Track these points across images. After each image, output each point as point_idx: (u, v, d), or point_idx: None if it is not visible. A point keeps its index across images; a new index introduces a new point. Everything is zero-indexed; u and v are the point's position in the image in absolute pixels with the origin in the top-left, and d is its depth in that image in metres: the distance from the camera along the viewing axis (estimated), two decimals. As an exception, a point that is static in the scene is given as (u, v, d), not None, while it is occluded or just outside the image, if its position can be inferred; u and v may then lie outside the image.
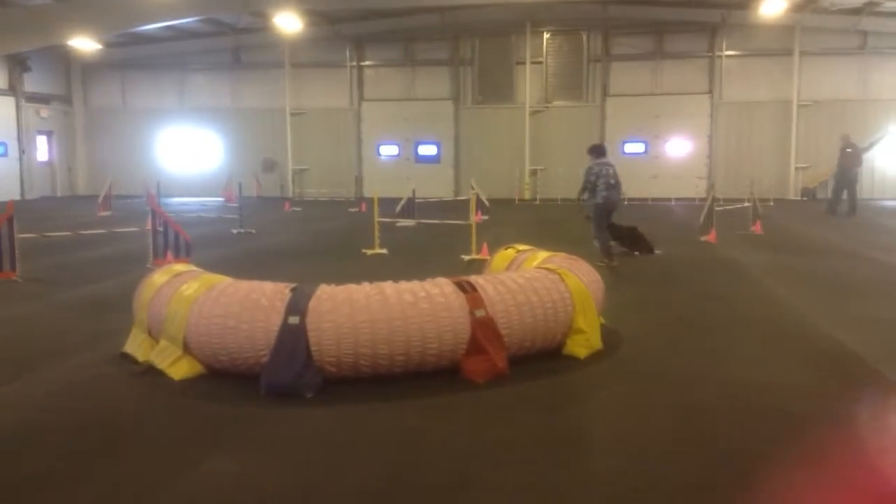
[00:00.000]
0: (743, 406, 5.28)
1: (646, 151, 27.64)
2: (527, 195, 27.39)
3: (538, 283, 6.24)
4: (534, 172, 27.71)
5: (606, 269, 10.38)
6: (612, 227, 11.88)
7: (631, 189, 26.05)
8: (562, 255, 7.31)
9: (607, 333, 6.85)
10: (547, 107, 27.98)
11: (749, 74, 26.71)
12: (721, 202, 20.51)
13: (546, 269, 6.62)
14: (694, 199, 25.30)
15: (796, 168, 26.44)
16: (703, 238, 14.55)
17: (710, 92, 27.04)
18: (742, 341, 7.11)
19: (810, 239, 15.22)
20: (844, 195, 20.22)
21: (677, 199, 25.78)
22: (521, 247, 7.89)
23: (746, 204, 18.14)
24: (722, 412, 5.19)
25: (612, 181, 11.22)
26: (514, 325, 5.96)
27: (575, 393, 5.66)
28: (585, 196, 11.46)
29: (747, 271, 11.16)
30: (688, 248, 13.69)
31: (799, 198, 26.22)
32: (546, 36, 27.84)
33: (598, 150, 11.45)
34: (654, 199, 25.60)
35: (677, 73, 27.13)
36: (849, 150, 20.39)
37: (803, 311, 8.32)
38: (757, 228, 16.01)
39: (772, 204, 23.07)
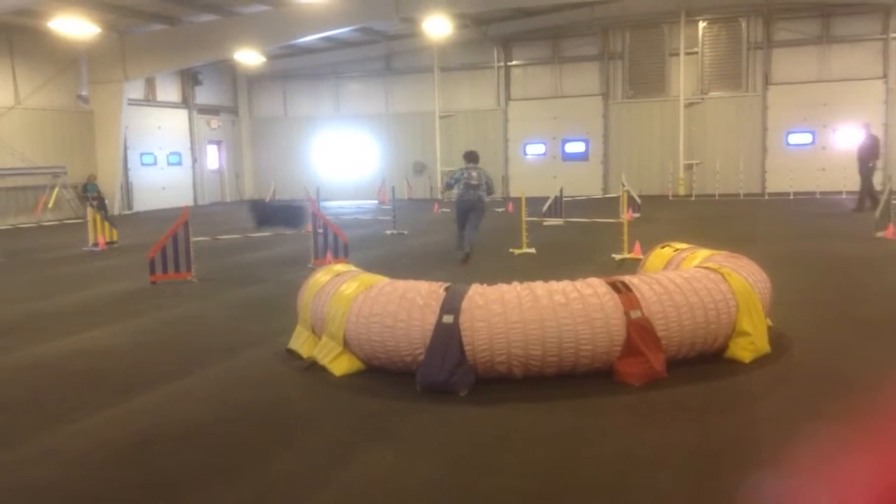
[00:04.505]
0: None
1: (813, 142, 25.96)
2: (681, 191, 26.43)
3: (698, 282, 5.98)
4: (689, 167, 26.71)
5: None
6: None
7: (796, 182, 24.66)
8: (724, 253, 6.98)
9: (775, 336, 6.47)
10: (703, 98, 26.88)
11: (929, 56, 24.48)
12: (900, 195, 18.95)
13: (707, 268, 6.33)
14: (868, 192, 23.44)
15: None
16: (880, 234, 13.46)
17: (885, 76, 24.98)
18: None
19: None
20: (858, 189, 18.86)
21: (849, 193, 24.02)
22: (680, 245, 7.59)
23: (930, 196, 16.61)
24: (906, 422, 4.77)
25: (473, 182, 12.23)
26: (671, 327, 5.74)
27: (738, 398, 5.38)
28: (445, 193, 13.04)
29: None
30: (861, 245, 12.73)
31: None
32: (702, 24, 26.75)
33: (468, 157, 12.70)
34: (822, 193, 24.01)
35: (847, 57, 25.28)
36: (866, 140, 18.82)
37: None
38: (942, 223, 14.61)
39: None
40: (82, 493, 4.11)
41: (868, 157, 18.77)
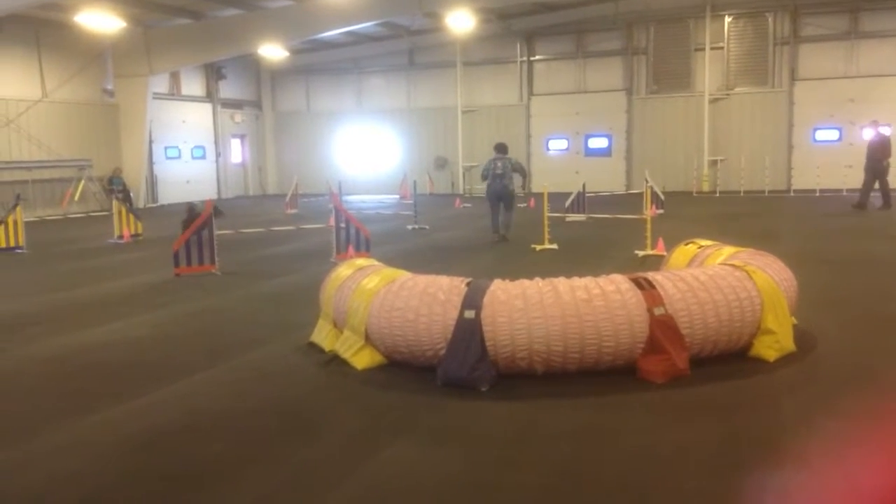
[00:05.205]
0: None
1: (839, 139, 25.63)
2: (705, 187, 26.21)
3: (722, 280, 5.92)
4: (713, 163, 26.49)
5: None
6: None
7: (823, 179, 24.38)
8: (749, 250, 6.91)
9: (800, 334, 6.39)
10: (728, 94, 26.63)
11: (960, 51, 24.05)
12: (929, 192, 18.69)
13: (731, 265, 6.27)
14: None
15: None
16: (908, 232, 13.28)
17: (915, 71, 24.63)
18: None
19: None
20: (876, 186, 18.48)
21: (874, 192, 23.63)
22: (704, 242, 7.52)
23: (960, 194, 16.35)
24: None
25: (499, 172, 13.59)
26: (695, 325, 5.68)
27: (763, 397, 5.32)
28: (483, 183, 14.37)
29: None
30: (888, 243, 12.54)
31: None
32: (727, 19, 26.49)
33: (496, 148, 13.94)
34: (849, 190, 23.68)
35: (874, 53, 24.92)
36: (875, 138, 18.54)
37: None
38: (973, 221, 14.39)
39: None
40: (105, 483, 4.15)
41: (881, 156, 18.52)
